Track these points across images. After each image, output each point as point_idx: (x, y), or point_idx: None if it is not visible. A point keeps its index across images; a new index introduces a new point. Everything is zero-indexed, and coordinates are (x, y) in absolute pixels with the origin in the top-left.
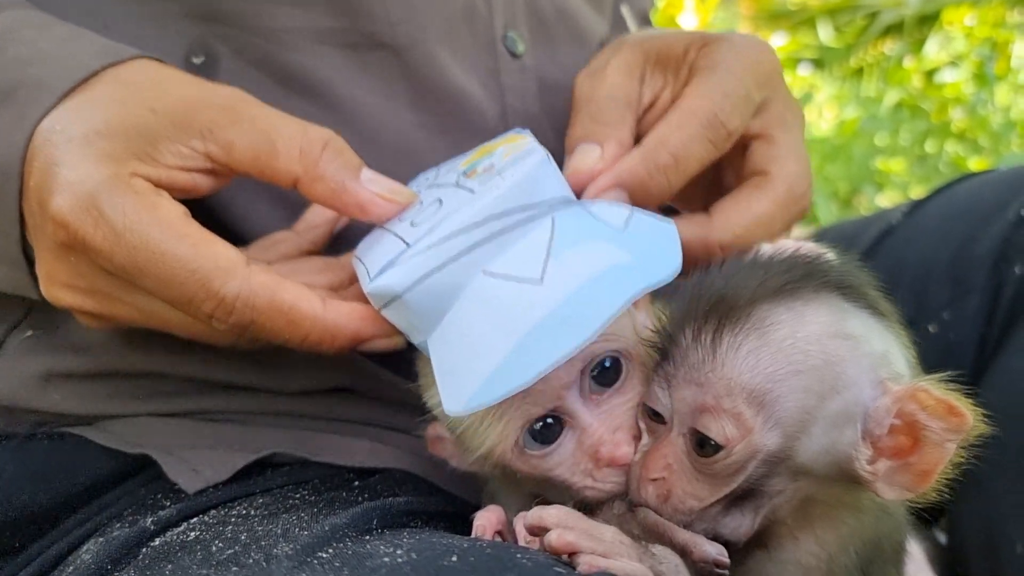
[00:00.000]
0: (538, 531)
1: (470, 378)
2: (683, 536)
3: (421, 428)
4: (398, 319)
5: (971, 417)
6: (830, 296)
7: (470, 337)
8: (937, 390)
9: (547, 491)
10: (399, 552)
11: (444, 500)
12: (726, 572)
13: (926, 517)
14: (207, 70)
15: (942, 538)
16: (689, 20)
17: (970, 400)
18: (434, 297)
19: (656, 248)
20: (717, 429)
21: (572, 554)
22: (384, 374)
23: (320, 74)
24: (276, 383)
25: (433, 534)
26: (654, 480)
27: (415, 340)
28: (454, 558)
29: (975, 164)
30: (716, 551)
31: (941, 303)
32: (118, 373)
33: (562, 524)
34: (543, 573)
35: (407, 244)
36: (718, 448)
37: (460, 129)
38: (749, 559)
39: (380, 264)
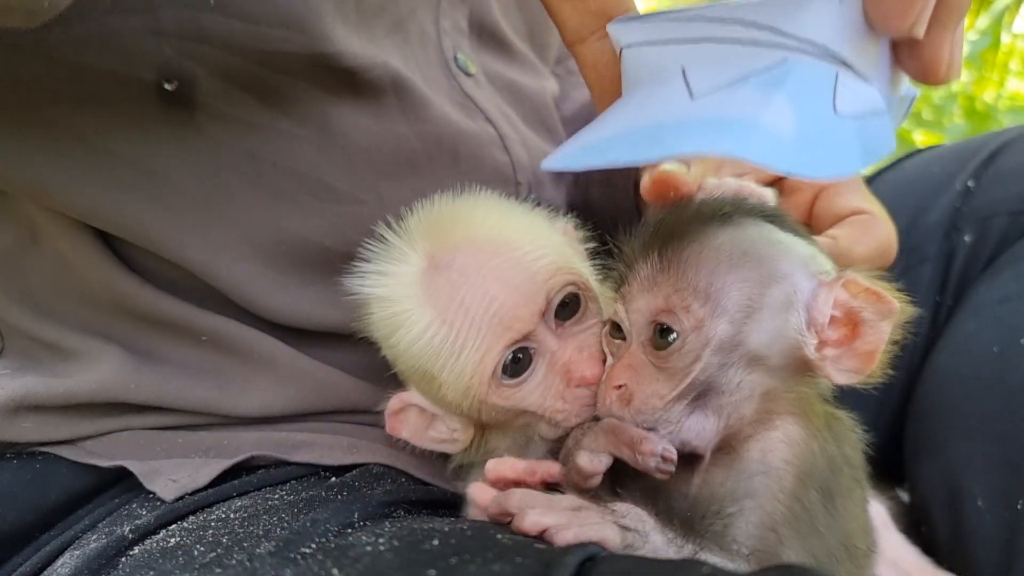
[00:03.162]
0: (503, 517)
1: (574, 143)
2: (633, 432)
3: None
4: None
5: (896, 301)
6: (759, 220)
7: (607, 117)
8: (864, 279)
9: (520, 432)
10: (381, 541)
11: (424, 489)
12: (672, 467)
13: (890, 477)
14: (184, 97)
15: (905, 497)
16: None
17: (893, 286)
18: (639, 68)
19: (836, 150)
20: (671, 322)
21: (541, 532)
22: (360, 387)
23: (312, 94)
24: (242, 406)
25: (415, 520)
26: (618, 387)
27: None
28: (435, 542)
29: (920, 137)
30: (662, 445)
31: (895, 273)
32: (91, 404)
33: (525, 505)
34: (523, 551)
35: (662, 12)
36: (674, 340)
37: (454, 139)
38: (717, 470)
39: (640, 15)
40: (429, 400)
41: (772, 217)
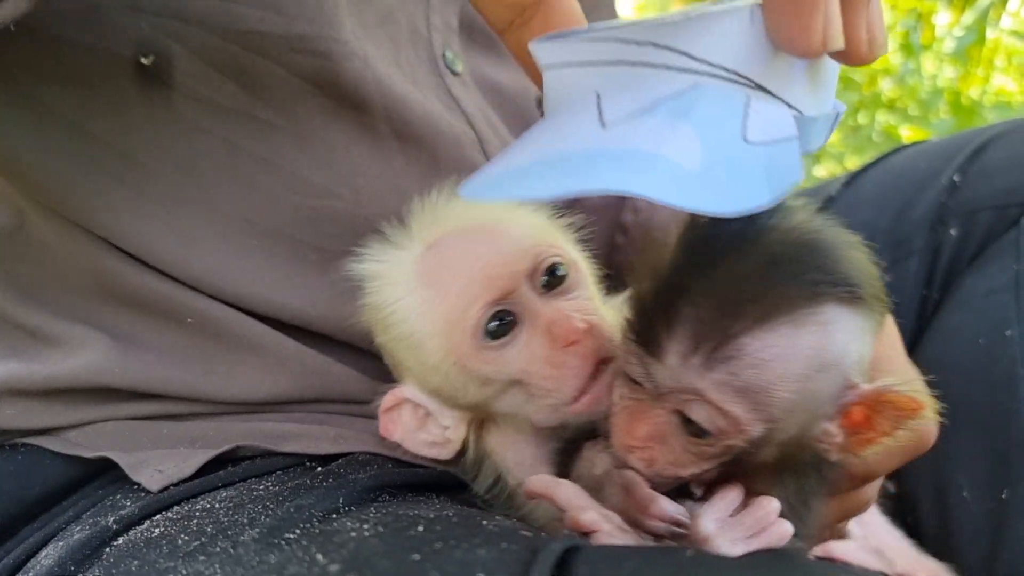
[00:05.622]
0: (536, 496)
1: (490, 171)
2: (642, 494)
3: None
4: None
5: (929, 408)
6: (823, 308)
7: (523, 142)
8: (901, 393)
9: (514, 425)
10: (366, 527)
11: (410, 472)
12: (685, 531)
13: None
14: (160, 72)
15: (891, 488)
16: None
17: (929, 392)
18: (559, 90)
19: (742, 182)
20: (709, 421)
21: (590, 531)
22: (346, 374)
23: (291, 83)
24: (227, 391)
25: (400, 506)
26: (638, 447)
27: None
28: (420, 528)
29: (906, 132)
30: (673, 510)
31: (882, 267)
32: (75, 391)
33: (579, 504)
34: (509, 537)
35: (580, 30)
36: (707, 433)
37: (434, 139)
38: None
39: (554, 33)
40: (419, 384)
41: (842, 288)
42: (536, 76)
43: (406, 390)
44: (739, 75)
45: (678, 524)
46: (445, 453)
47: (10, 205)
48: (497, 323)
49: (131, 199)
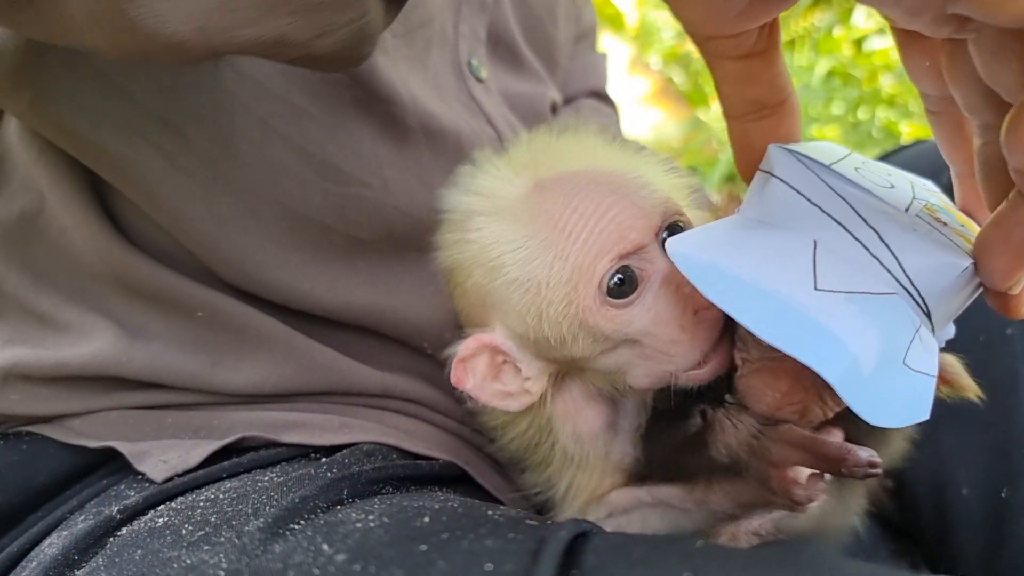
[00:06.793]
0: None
1: (708, 251)
2: (835, 447)
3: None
4: (754, 185)
5: (972, 390)
6: None
7: (738, 236)
8: (956, 365)
9: (601, 382)
10: (371, 518)
11: (412, 465)
12: (879, 472)
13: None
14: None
15: (890, 484)
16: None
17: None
18: (782, 204)
19: (889, 399)
20: None
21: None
22: (356, 367)
23: (327, 76)
24: (234, 383)
25: (404, 497)
26: (791, 402)
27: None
28: (426, 519)
29: (907, 129)
30: (867, 454)
31: None
32: (81, 378)
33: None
34: (515, 527)
35: (822, 164)
36: None
37: (457, 136)
38: None
39: (794, 148)
40: (513, 332)
41: None
42: (743, 162)
43: (494, 336)
44: (926, 305)
45: (873, 465)
46: (517, 405)
47: (32, 190)
48: (620, 279)
49: (168, 169)
